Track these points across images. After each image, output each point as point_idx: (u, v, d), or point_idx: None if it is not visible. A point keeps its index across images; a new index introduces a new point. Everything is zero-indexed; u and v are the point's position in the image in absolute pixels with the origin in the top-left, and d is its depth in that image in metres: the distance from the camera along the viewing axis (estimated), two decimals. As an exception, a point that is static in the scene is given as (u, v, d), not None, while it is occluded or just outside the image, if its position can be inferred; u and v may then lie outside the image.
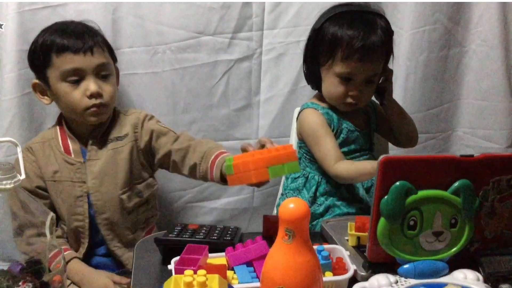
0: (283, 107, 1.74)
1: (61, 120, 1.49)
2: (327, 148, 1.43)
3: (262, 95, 1.73)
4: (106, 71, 1.44)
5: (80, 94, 1.40)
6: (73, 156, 1.46)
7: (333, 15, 1.44)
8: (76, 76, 1.39)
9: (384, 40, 1.41)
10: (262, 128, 1.76)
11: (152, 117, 1.52)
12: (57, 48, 1.38)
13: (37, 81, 1.45)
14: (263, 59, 1.70)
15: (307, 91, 1.69)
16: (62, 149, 1.46)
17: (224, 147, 1.41)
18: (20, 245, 0.87)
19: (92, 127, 1.47)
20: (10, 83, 1.53)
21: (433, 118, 1.87)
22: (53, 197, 1.47)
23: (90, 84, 1.39)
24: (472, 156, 0.95)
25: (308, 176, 1.51)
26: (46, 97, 1.46)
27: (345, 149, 1.48)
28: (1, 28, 1.51)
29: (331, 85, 1.44)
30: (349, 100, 1.43)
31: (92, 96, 1.40)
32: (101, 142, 1.47)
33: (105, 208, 1.45)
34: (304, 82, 1.64)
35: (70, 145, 1.47)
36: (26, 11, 1.52)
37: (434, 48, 1.78)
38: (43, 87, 1.44)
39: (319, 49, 1.45)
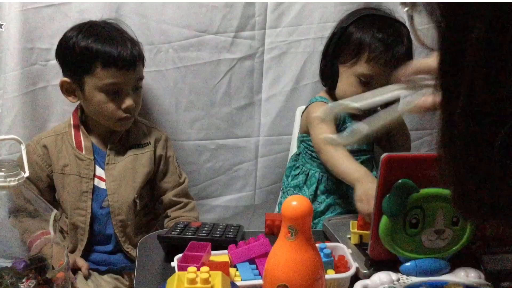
0: (284, 106, 1.74)
1: (77, 116, 1.51)
2: (326, 131, 1.41)
3: (264, 93, 1.73)
4: (141, 84, 1.49)
5: (115, 106, 1.43)
6: (84, 152, 1.48)
7: (362, 16, 1.46)
8: (115, 89, 1.42)
9: (408, 49, 1.42)
10: (264, 126, 1.76)
11: (170, 142, 1.62)
12: (104, 60, 1.39)
13: (67, 79, 1.45)
14: (265, 58, 1.70)
15: (309, 90, 1.69)
16: (74, 144, 1.49)
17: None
18: (13, 222, 0.88)
19: (112, 131, 1.51)
20: (13, 81, 1.54)
21: (430, 114, 1.87)
22: (59, 189, 1.49)
23: (128, 100, 1.43)
24: (474, 154, 0.96)
25: (308, 173, 1.51)
26: (73, 96, 1.47)
27: (347, 148, 1.48)
28: (1, 28, 1.51)
29: (349, 85, 1.44)
30: None
31: (126, 110, 1.44)
32: (120, 146, 1.51)
33: (121, 210, 1.48)
34: (305, 80, 1.65)
35: (83, 141, 1.49)
36: (29, 9, 1.52)
37: (432, 47, 1.78)
38: (72, 86, 1.45)
39: (343, 47, 1.45)
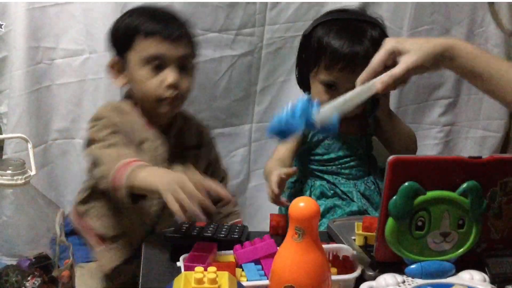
0: (277, 96, 1.80)
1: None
2: (279, 147, 1.46)
3: (259, 85, 1.78)
4: (189, 63, 1.37)
5: (157, 83, 1.31)
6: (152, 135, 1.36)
7: (323, 22, 1.44)
8: (158, 63, 1.31)
9: (371, 50, 1.38)
10: (257, 114, 1.81)
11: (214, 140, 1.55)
12: (145, 31, 1.31)
13: (115, 58, 1.37)
14: (263, 53, 1.74)
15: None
16: (145, 124, 1.36)
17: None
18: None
19: (163, 127, 1.39)
20: (19, 80, 1.54)
21: (432, 112, 1.89)
22: None
23: (170, 75, 1.31)
24: (480, 157, 0.96)
25: (302, 181, 1.51)
26: (121, 77, 1.38)
27: (332, 155, 1.49)
28: (1, 28, 1.51)
29: (317, 92, 1.43)
30: None
31: (169, 87, 1.32)
32: (177, 147, 1.40)
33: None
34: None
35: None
36: (35, 8, 1.53)
37: None
38: (120, 66, 1.37)
39: (307, 55, 1.45)
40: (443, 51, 1.07)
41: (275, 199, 1.31)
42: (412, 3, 1.74)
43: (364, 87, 1.11)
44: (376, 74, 1.10)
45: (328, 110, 1.07)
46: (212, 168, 1.50)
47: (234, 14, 1.66)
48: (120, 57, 1.36)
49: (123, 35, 1.34)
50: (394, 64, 1.09)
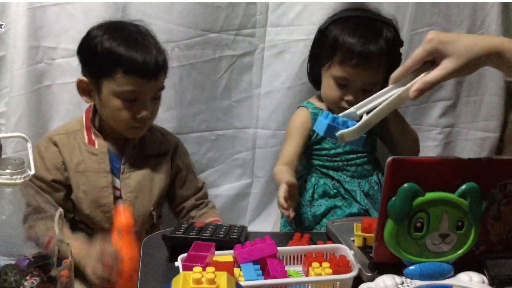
0: (281, 102, 1.76)
1: (89, 117, 1.46)
2: (285, 148, 1.47)
3: (262, 88, 1.76)
4: (160, 94, 1.43)
5: (129, 114, 1.37)
6: (97, 146, 1.43)
7: (340, 18, 1.46)
8: (133, 97, 1.36)
9: (385, 50, 1.40)
10: (261, 119, 1.79)
11: (184, 148, 1.60)
12: (126, 67, 1.32)
13: (85, 79, 1.39)
14: (265, 55, 1.73)
15: (306, 89, 1.71)
16: (86, 140, 1.43)
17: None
18: (25, 231, 0.88)
19: (126, 138, 1.46)
20: (19, 80, 1.54)
21: (431, 114, 1.90)
22: (75, 191, 1.42)
23: (144, 111, 1.37)
24: (479, 159, 0.96)
25: (306, 178, 1.51)
26: (88, 97, 1.41)
27: (339, 149, 1.49)
28: (1, 28, 1.51)
29: (328, 87, 1.44)
30: (344, 105, 1.42)
31: (141, 119, 1.38)
32: (136, 155, 1.46)
33: (137, 222, 1.39)
34: (303, 79, 1.68)
35: (95, 139, 1.44)
36: (36, 8, 1.52)
37: None
38: (89, 87, 1.39)
39: (321, 50, 1.46)
40: (489, 53, 0.97)
41: (284, 212, 1.24)
42: (412, 4, 1.74)
43: (395, 98, 1.00)
44: (413, 71, 1.02)
45: (355, 132, 0.99)
46: (183, 177, 1.55)
47: (234, 15, 1.66)
48: (91, 79, 1.38)
49: (102, 62, 1.35)
50: (433, 61, 1.00)
